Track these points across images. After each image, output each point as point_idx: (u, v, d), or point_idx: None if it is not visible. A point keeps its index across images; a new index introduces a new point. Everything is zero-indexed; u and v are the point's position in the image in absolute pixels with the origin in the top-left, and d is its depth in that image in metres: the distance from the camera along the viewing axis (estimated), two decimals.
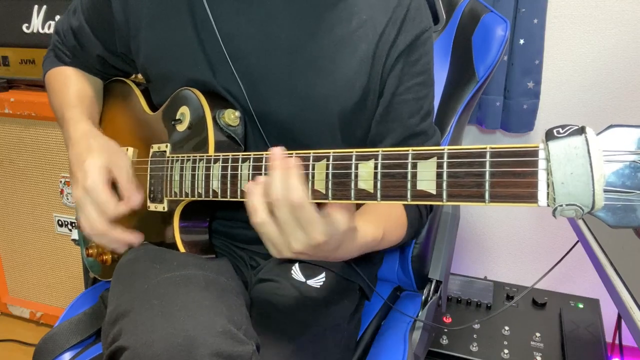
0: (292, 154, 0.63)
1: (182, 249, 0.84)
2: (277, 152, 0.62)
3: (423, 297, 1.12)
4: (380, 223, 0.78)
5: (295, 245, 0.61)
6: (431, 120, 0.92)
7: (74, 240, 1.11)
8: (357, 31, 0.83)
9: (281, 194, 0.59)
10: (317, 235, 0.60)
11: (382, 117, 0.87)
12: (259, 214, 0.62)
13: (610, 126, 0.41)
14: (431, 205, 0.95)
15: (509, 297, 1.49)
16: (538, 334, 1.33)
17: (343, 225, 0.61)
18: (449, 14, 1.18)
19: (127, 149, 0.93)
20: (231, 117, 0.82)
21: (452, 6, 1.18)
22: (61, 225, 1.75)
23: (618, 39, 1.47)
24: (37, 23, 1.57)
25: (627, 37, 1.46)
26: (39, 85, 1.64)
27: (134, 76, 1.08)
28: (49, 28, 1.56)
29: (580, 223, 0.93)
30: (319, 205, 0.61)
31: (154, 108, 0.95)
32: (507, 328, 1.35)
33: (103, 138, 0.89)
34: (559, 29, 1.51)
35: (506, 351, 1.27)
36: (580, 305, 1.45)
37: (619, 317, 1.26)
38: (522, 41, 1.48)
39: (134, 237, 0.85)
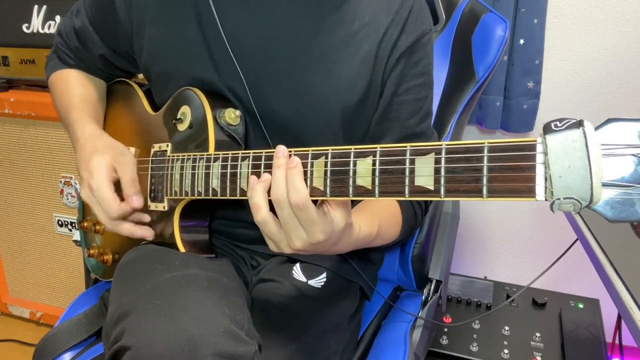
0: (291, 151, 0.63)
1: (182, 248, 0.84)
2: (281, 150, 0.63)
3: (423, 297, 1.12)
4: (375, 219, 0.79)
5: (297, 242, 0.63)
6: (430, 121, 0.93)
7: (75, 241, 1.12)
8: (359, 32, 0.83)
9: (284, 194, 0.61)
10: (317, 234, 0.62)
11: (381, 117, 0.88)
12: (261, 212, 0.63)
13: (609, 120, 0.41)
14: (427, 205, 0.96)
15: (509, 297, 1.49)
16: (538, 334, 1.33)
17: (342, 223, 0.63)
18: (448, 14, 1.18)
19: (129, 149, 0.94)
20: (232, 116, 0.82)
21: (451, 6, 1.18)
22: (61, 225, 1.75)
23: (618, 39, 1.47)
24: (37, 23, 1.57)
25: (627, 37, 1.46)
26: (39, 85, 1.64)
27: (135, 77, 1.08)
28: (49, 28, 1.56)
29: (579, 221, 0.93)
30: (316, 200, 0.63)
31: (155, 108, 0.95)
32: (507, 328, 1.35)
33: (109, 138, 0.91)
34: (559, 29, 1.51)
35: (506, 351, 1.27)
36: (580, 305, 1.45)
37: (619, 317, 1.26)
38: (522, 41, 1.48)
39: (144, 232, 0.87)
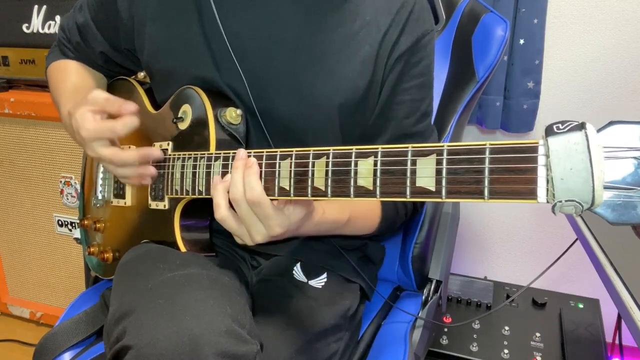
0: (292, 151, 0.63)
1: (182, 247, 0.84)
2: (241, 153, 0.68)
3: (423, 297, 1.12)
4: (345, 207, 0.83)
5: (257, 237, 0.69)
6: (429, 121, 0.92)
7: (76, 239, 1.12)
8: (360, 31, 0.83)
9: (241, 193, 0.66)
10: (275, 228, 0.67)
11: (378, 116, 0.88)
12: (220, 210, 0.69)
13: (611, 122, 0.41)
14: (415, 205, 0.96)
15: (509, 297, 1.49)
16: (538, 334, 1.33)
17: (299, 215, 0.69)
18: (448, 13, 1.18)
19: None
20: (233, 115, 0.82)
21: (452, 6, 1.18)
22: (61, 225, 1.75)
23: (618, 39, 1.47)
24: (37, 23, 1.57)
25: (627, 37, 1.46)
26: (39, 85, 1.64)
27: (135, 75, 1.08)
28: (49, 28, 1.56)
29: (580, 222, 0.93)
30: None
31: (157, 107, 0.95)
32: (507, 328, 1.35)
33: (75, 100, 0.87)
34: (559, 29, 1.51)
35: (506, 351, 1.27)
36: (580, 305, 1.45)
37: (619, 317, 1.26)
38: (522, 41, 1.48)
39: (151, 151, 0.83)
